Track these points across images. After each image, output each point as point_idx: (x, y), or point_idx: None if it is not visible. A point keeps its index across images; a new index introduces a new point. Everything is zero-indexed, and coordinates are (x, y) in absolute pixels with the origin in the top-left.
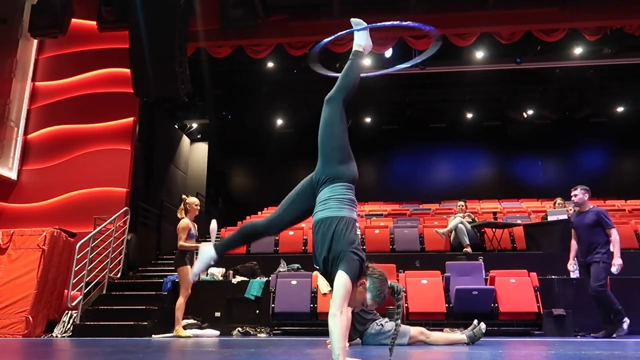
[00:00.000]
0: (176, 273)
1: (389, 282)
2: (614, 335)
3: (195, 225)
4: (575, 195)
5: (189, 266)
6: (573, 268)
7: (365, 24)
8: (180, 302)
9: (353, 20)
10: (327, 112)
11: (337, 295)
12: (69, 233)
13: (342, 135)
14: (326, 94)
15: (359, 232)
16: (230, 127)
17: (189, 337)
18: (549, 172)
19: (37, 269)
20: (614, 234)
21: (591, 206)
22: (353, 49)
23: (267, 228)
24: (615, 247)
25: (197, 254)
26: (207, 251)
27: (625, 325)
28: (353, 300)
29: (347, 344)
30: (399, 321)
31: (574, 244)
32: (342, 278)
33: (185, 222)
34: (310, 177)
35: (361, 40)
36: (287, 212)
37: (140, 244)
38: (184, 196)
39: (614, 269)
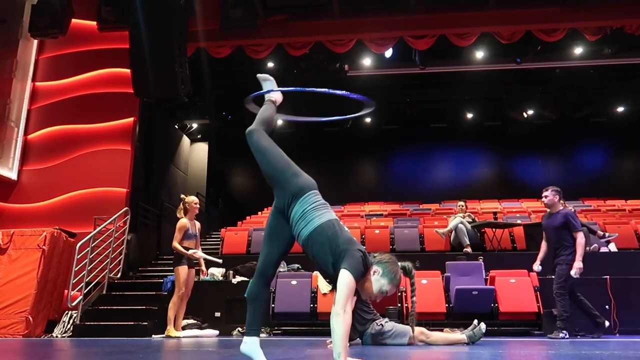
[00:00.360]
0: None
1: (399, 264)
2: (556, 335)
3: (197, 224)
4: (546, 197)
5: (185, 266)
6: (538, 269)
7: (274, 84)
8: (174, 301)
9: (260, 76)
10: (256, 141)
11: (340, 295)
12: (69, 233)
13: (282, 154)
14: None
15: (346, 228)
16: (230, 127)
17: (179, 337)
18: (549, 172)
19: (37, 269)
20: (579, 237)
21: (561, 208)
22: (266, 99)
23: (265, 276)
24: (578, 251)
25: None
26: (249, 344)
27: (562, 335)
28: (370, 292)
29: (347, 344)
30: (414, 298)
31: (543, 246)
32: (345, 277)
33: (182, 222)
34: (274, 208)
35: (275, 95)
36: (271, 248)
37: (140, 244)
38: (182, 196)
39: (572, 272)
